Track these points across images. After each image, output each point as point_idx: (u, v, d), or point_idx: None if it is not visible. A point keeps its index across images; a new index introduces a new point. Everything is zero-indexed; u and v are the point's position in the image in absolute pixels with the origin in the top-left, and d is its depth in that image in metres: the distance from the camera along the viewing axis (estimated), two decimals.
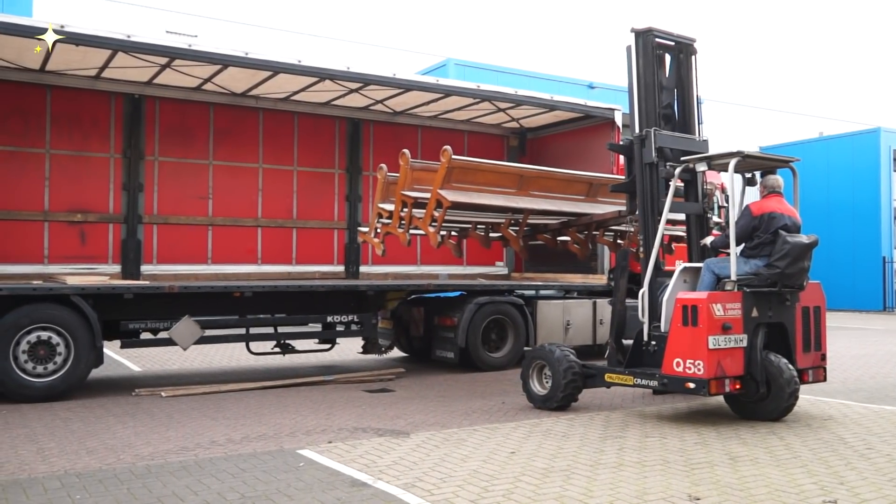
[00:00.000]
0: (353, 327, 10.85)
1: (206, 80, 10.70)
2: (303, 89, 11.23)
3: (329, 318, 10.62)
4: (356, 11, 44.00)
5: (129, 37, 8.97)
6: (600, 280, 12.15)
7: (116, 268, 10.70)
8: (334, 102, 12.05)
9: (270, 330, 10.58)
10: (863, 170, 29.54)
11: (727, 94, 34.85)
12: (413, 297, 11.77)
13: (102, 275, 10.36)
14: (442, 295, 11.77)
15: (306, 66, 10.11)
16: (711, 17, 53.49)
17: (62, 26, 8.55)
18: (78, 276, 9.92)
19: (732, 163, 7.33)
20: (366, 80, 10.70)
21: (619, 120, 12.24)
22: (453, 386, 9.83)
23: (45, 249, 10.28)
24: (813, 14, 54.75)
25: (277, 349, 10.69)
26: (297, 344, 10.85)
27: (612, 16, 51.54)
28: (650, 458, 5.92)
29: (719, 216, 14.32)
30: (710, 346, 6.89)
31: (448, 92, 11.47)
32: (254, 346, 10.57)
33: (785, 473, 5.48)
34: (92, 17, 22.99)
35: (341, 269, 12.40)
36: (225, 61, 9.74)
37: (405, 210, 8.75)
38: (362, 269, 12.48)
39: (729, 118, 32.34)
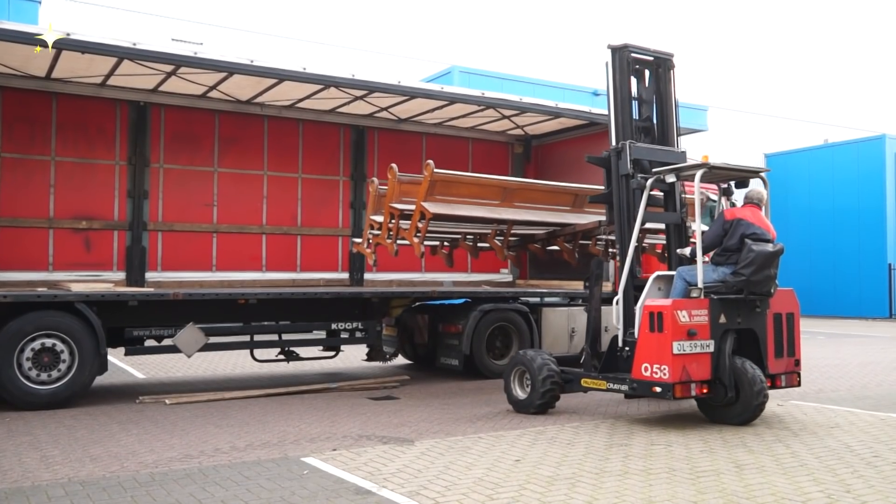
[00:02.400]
0: (358, 335, 10.84)
1: (212, 88, 10.72)
2: (308, 97, 11.25)
3: (333, 326, 10.61)
4: (361, 19, 44.15)
5: (134, 44, 8.99)
6: (605, 287, 12.12)
7: (121, 275, 10.70)
8: (339, 110, 12.07)
9: (275, 337, 10.58)
10: (868, 177, 29.49)
11: (733, 101, 34.85)
12: (417, 304, 11.76)
13: (107, 282, 10.37)
14: (446, 302, 11.75)
15: (311, 74, 10.13)
16: (717, 27, 53.54)
17: (68, 34, 8.58)
18: (82, 283, 9.93)
19: (698, 174, 7.54)
20: (370, 88, 10.71)
21: None
22: (458, 393, 9.81)
23: (49, 256, 10.30)
24: (818, 22, 54.77)
25: (282, 356, 10.67)
26: (302, 351, 10.84)
27: (616, 24, 51.62)
28: (656, 466, 5.89)
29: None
30: (675, 352, 7.11)
31: (453, 99, 11.48)
32: (258, 353, 10.56)
33: (791, 481, 5.44)
34: (98, 24, 23.11)
35: (346, 276, 12.39)
36: (230, 69, 9.76)
37: (393, 221, 9.04)
38: (367, 276, 12.47)
39: (735, 126, 32.33)
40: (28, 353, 8.48)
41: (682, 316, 7.20)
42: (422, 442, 6.80)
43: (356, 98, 11.37)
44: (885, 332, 22.02)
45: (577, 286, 12.46)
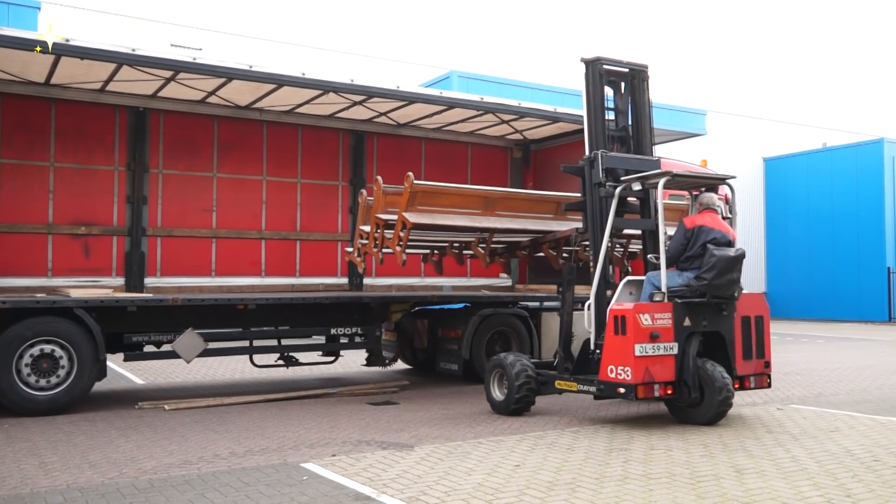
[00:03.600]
0: (357, 339, 10.83)
1: (211, 93, 10.73)
2: (306, 102, 11.25)
3: (333, 331, 10.60)
4: (360, 24, 44.25)
5: (133, 50, 9.00)
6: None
7: (120, 280, 10.69)
8: (338, 115, 12.07)
9: (274, 342, 10.56)
10: (867, 180, 29.52)
11: (732, 105, 34.89)
12: (417, 308, 11.75)
13: (106, 287, 10.35)
14: (446, 307, 11.74)
15: (310, 79, 10.14)
16: (715, 30, 53.65)
17: (67, 40, 8.59)
18: (81, 288, 9.92)
19: (661, 182, 7.75)
20: (369, 93, 10.73)
21: None
22: (457, 398, 9.79)
23: (48, 262, 10.29)
24: (817, 25, 54.88)
25: (281, 362, 10.66)
26: (301, 356, 10.83)
27: (615, 28, 51.73)
28: (656, 470, 5.88)
29: None
30: (637, 354, 7.33)
31: (451, 104, 11.49)
32: (257, 358, 10.55)
33: (791, 486, 5.44)
34: (97, 30, 23.13)
35: (345, 281, 12.38)
36: (229, 74, 9.77)
37: (378, 231, 9.35)
38: (366, 281, 12.46)
39: (734, 130, 32.35)
40: (27, 358, 8.47)
41: (645, 319, 7.42)
42: (421, 447, 6.79)
43: (355, 103, 11.38)
44: (884, 335, 22.02)
45: (577, 291, 12.48)
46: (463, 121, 12.55)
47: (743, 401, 9.52)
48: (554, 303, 12.41)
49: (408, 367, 12.75)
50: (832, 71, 51.46)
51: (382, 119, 12.35)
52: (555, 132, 13.24)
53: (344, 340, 10.82)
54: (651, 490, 5.34)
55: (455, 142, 13.46)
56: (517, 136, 13.62)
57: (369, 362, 11.56)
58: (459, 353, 10.93)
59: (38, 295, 9.33)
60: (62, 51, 8.66)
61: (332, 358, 11.35)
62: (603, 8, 53.37)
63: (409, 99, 11.13)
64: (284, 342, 10.61)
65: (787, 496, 5.19)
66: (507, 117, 12.34)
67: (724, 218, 14.40)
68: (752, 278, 31.21)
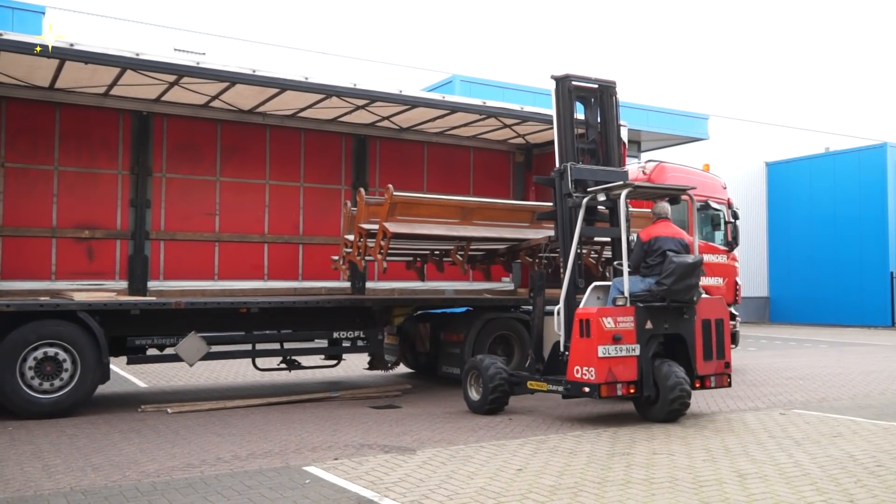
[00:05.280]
0: (359, 343, 10.84)
1: (214, 98, 10.76)
2: (309, 106, 11.27)
3: (335, 334, 10.61)
4: (362, 29, 44.34)
5: (137, 55, 9.03)
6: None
7: (123, 284, 10.70)
8: (341, 119, 12.09)
9: (276, 346, 10.57)
10: (870, 185, 29.46)
11: (734, 110, 34.87)
12: (419, 312, 11.75)
13: (109, 291, 10.36)
14: (448, 311, 11.74)
15: (313, 84, 10.16)
16: (718, 34, 53.68)
17: (71, 45, 8.62)
18: (85, 292, 9.93)
19: (623, 194, 8.28)
20: (372, 97, 10.74)
21: (624, 136, 12.23)
22: (460, 402, 9.77)
23: (52, 266, 10.30)
24: (820, 29, 54.89)
25: (283, 365, 10.67)
26: (303, 360, 10.84)
27: (618, 32, 51.78)
28: (658, 475, 5.88)
29: (725, 231, 14.38)
30: (600, 355, 7.78)
31: (454, 108, 11.50)
32: (260, 362, 10.56)
33: (794, 491, 5.43)
34: (101, 35, 23.20)
35: (347, 284, 12.38)
36: (232, 79, 9.79)
37: (361, 240, 9.70)
38: (368, 284, 12.46)
39: (736, 134, 32.33)
40: (30, 362, 8.49)
41: (608, 322, 7.86)
42: (424, 451, 6.80)
43: (358, 107, 11.40)
44: (887, 340, 21.98)
45: (578, 296, 12.49)
46: (465, 125, 12.56)
47: (746, 405, 9.53)
48: (556, 307, 12.44)
49: (410, 370, 12.75)
50: (835, 75, 51.47)
51: (385, 123, 12.36)
52: None
53: (346, 344, 10.83)
54: (653, 495, 5.34)
55: (458, 146, 13.48)
56: (520, 141, 13.63)
57: (371, 366, 11.57)
58: (462, 356, 10.92)
59: (42, 298, 9.35)
60: (66, 55, 8.70)
61: (334, 361, 11.35)
62: (605, 12, 53.45)
63: (412, 103, 11.15)
64: (287, 346, 10.62)
65: (790, 501, 5.19)
66: (509, 121, 12.35)
67: (726, 223, 14.53)
68: (755, 283, 31.17)
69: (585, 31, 52.00)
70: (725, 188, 14.86)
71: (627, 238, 8.36)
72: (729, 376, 8.67)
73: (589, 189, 8.59)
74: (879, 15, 56.12)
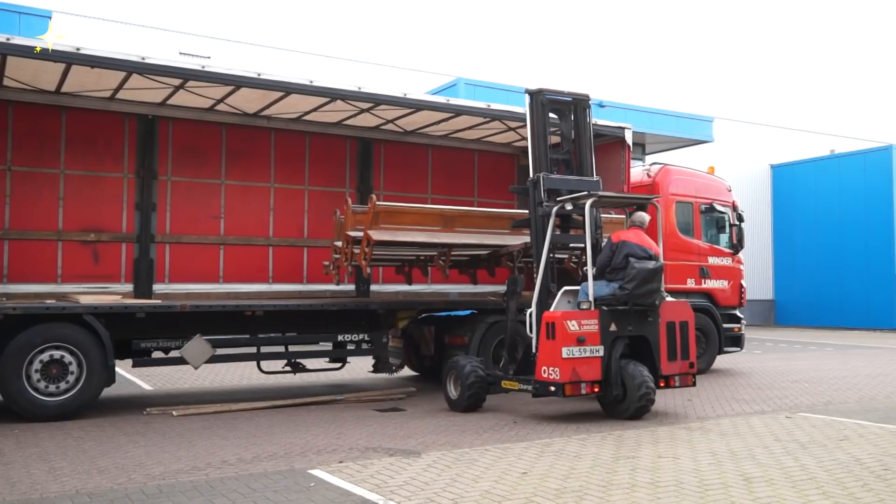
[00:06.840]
0: (364, 346, 10.84)
1: (219, 101, 10.79)
2: (314, 109, 11.30)
3: (340, 337, 10.62)
4: (367, 32, 44.40)
5: (143, 59, 9.07)
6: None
7: (129, 287, 10.74)
8: (345, 122, 12.12)
9: (281, 349, 10.59)
10: (875, 187, 29.36)
11: (739, 112, 34.77)
12: (424, 315, 11.75)
13: (115, 294, 10.40)
14: (453, 314, 11.73)
15: (318, 87, 10.19)
16: (723, 36, 53.61)
17: (78, 49, 8.66)
18: (91, 295, 9.97)
19: (588, 203, 8.65)
20: (377, 100, 10.77)
21: (629, 139, 12.24)
22: None
23: (58, 269, 10.34)
24: (825, 32, 54.79)
25: (288, 368, 10.68)
26: (308, 363, 10.85)
27: (623, 35, 51.75)
28: (663, 478, 5.87)
29: (730, 233, 14.38)
30: (564, 356, 8.12)
31: (458, 111, 11.52)
32: (265, 364, 10.58)
33: (800, 495, 5.42)
34: (107, 39, 23.28)
35: (352, 287, 12.39)
36: (237, 82, 9.83)
37: (348, 247, 10.07)
38: (373, 287, 12.48)
39: (741, 136, 32.27)
40: (37, 364, 8.52)
41: (572, 325, 8.21)
42: (428, 454, 6.80)
43: (362, 110, 11.42)
44: (893, 343, 21.90)
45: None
46: (470, 128, 12.58)
47: (751, 409, 9.50)
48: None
49: (414, 373, 12.75)
50: (840, 77, 51.36)
51: (390, 126, 12.38)
52: None
53: (351, 347, 10.83)
54: (659, 498, 5.33)
55: (462, 149, 13.49)
56: (524, 143, 13.61)
57: (376, 369, 11.57)
58: None
59: (48, 301, 9.38)
60: (72, 59, 8.74)
61: (338, 364, 11.36)
62: (609, 15, 53.42)
63: (416, 106, 11.17)
64: (292, 348, 10.63)
65: None
66: (513, 124, 12.36)
67: (731, 226, 14.54)
68: (760, 286, 31.10)
69: (590, 34, 51.97)
70: (730, 191, 14.85)
71: (593, 245, 8.72)
72: (694, 376, 9.00)
73: (558, 199, 9.01)
74: (884, 17, 56.00)
